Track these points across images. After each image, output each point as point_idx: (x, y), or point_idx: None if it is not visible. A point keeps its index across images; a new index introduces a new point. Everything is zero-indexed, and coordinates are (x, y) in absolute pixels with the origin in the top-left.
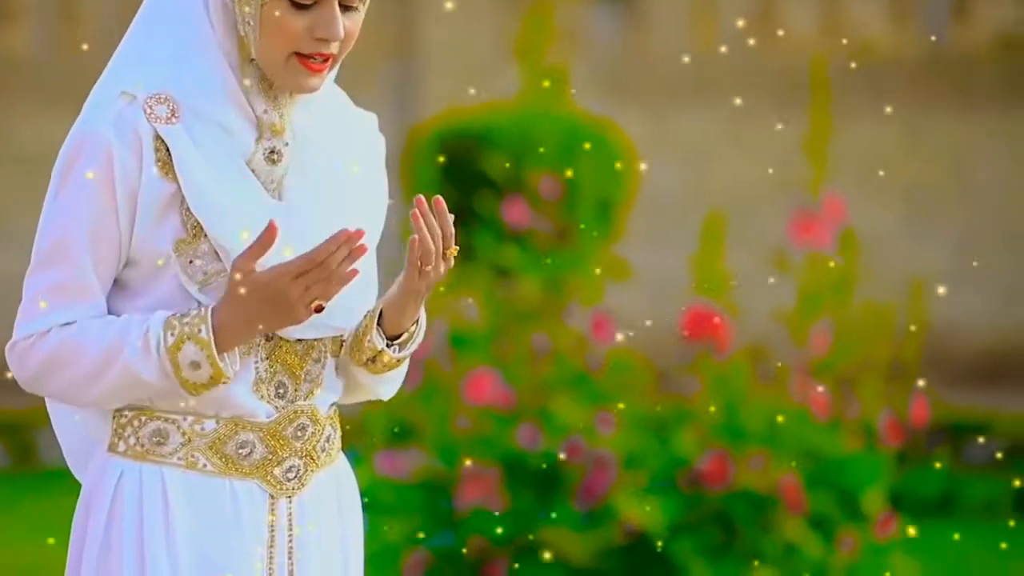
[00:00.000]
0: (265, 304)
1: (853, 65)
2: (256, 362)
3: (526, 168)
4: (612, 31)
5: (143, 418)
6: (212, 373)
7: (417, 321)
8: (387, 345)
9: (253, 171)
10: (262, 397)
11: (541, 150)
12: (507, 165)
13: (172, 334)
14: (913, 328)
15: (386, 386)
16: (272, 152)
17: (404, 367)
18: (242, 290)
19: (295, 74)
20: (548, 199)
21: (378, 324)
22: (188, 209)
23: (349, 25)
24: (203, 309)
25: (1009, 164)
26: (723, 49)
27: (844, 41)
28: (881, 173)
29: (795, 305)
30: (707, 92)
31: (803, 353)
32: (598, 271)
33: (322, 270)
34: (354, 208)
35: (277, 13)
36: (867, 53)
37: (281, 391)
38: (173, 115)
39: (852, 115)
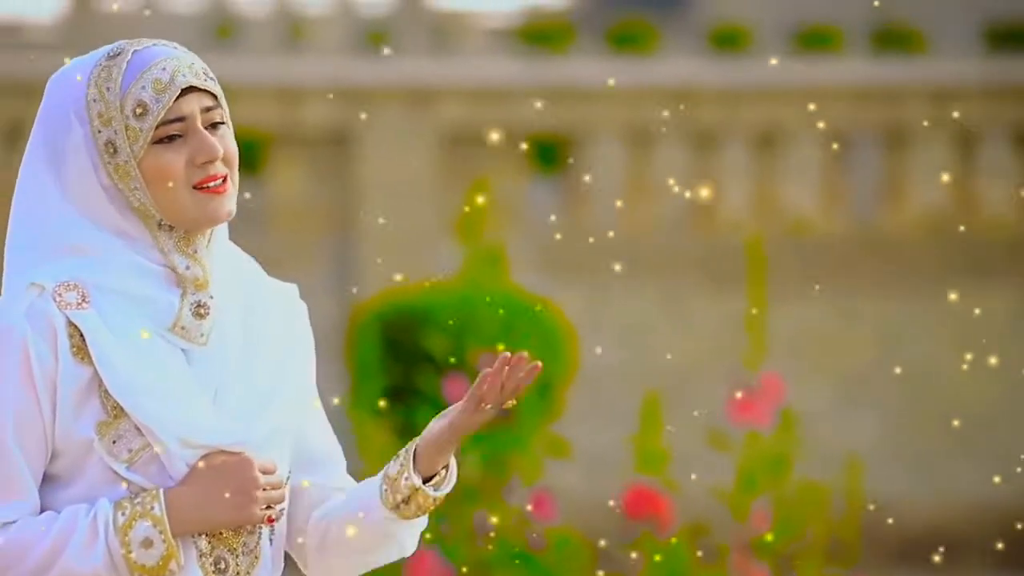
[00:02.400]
0: (226, 489)
1: (785, 244)
2: (195, 538)
3: (467, 345)
4: (550, 207)
5: None
6: (164, 552)
7: (447, 466)
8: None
9: (183, 328)
10: (205, 573)
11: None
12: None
13: (123, 513)
14: (850, 505)
15: (412, 534)
16: (199, 306)
17: (424, 520)
18: (201, 464)
19: (203, 205)
20: None
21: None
22: (106, 391)
23: (225, 146)
24: (155, 490)
25: (939, 343)
26: (661, 226)
27: (777, 227)
28: (812, 353)
29: (735, 482)
30: (644, 268)
31: (744, 530)
32: (538, 449)
33: (276, 485)
34: (277, 353)
35: (153, 161)
36: (799, 232)
37: (221, 566)
38: (83, 300)
39: (785, 294)
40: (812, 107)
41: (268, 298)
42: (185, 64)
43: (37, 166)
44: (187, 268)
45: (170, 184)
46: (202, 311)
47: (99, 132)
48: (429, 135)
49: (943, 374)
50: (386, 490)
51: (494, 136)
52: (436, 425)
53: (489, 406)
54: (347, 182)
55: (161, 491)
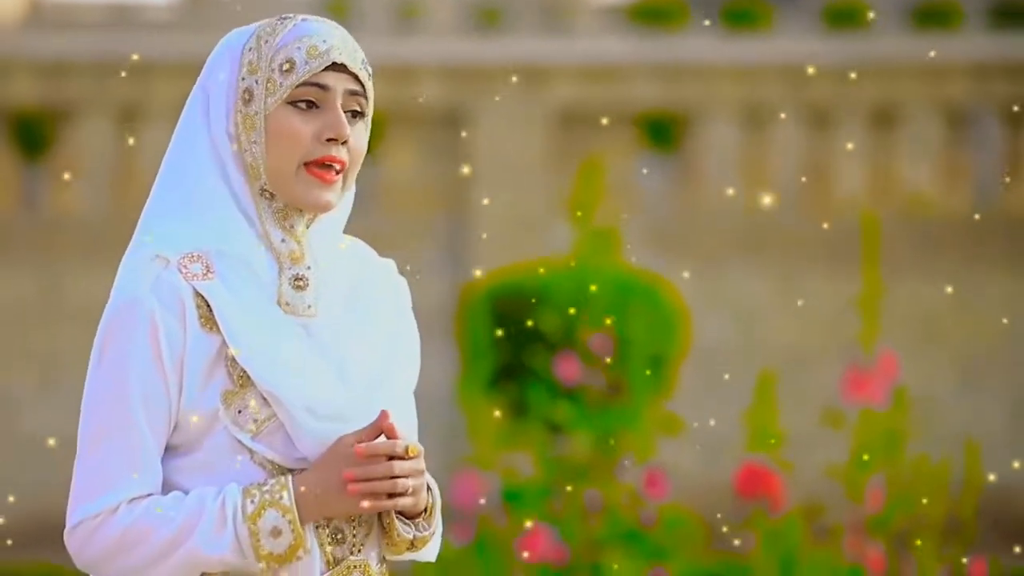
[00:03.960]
0: (340, 480)
1: (903, 223)
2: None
3: (578, 324)
4: (663, 186)
5: None
6: (292, 541)
7: (429, 488)
8: (416, 528)
9: (287, 304)
10: (321, 543)
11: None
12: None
13: (252, 501)
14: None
15: (431, 551)
16: (297, 279)
17: (439, 528)
18: (331, 453)
19: (308, 187)
20: (600, 355)
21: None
22: (232, 360)
23: (355, 138)
24: (283, 478)
25: None
26: (775, 204)
27: (895, 205)
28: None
29: (848, 461)
30: (758, 247)
31: (858, 510)
32: (650, 427)
33: (384, 484)
34: (384, 329)
35: (282, 120)
36: (918, 211)
37: (339, 536)
38: (208, 271)
39: (903, 273)
40: (928, 84)
41: (374, 272)
42: (347, 45)
43: (193, 106)
44: (282, 241)
45: (287, 149)
46: (301, 283)
47: (243, 79)
48: (541, 114)
49: None
50: (390, 547)
51: (606, 115)
52: None
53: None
54: (459, 161)
55: (290, 480)
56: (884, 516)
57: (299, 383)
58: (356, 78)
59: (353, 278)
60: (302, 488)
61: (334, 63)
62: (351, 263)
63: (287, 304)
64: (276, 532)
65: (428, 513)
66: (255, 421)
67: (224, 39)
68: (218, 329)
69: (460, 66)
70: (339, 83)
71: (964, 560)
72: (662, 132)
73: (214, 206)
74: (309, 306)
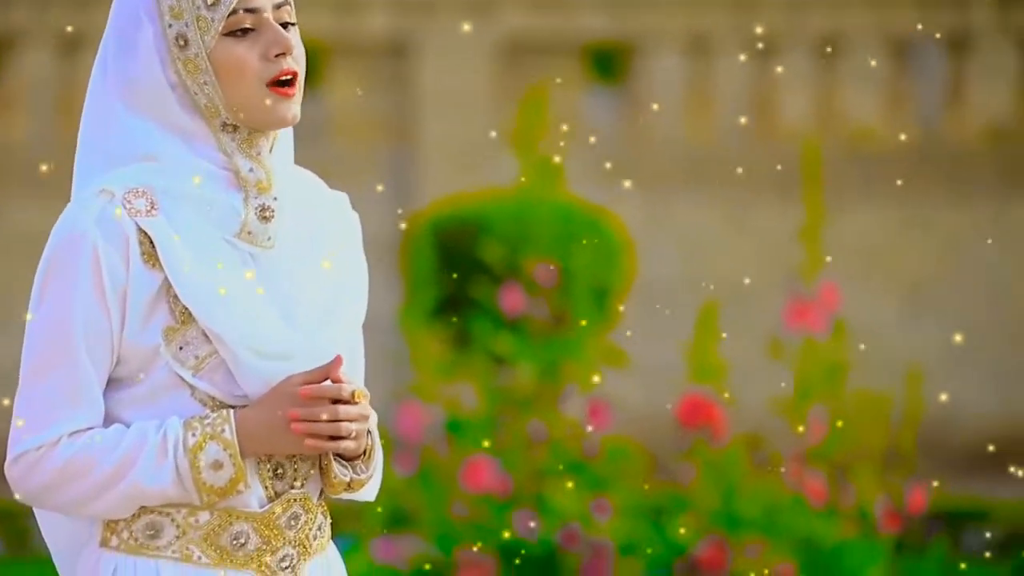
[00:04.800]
0: (285, 418)
1: (848, 153)
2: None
3: (522, 255)
4: (608, 117)
5: (137, 512)
6: (233, 475)
7: (369, 431)
8: (353, 470)
9: (249, 233)
10: (262, 479)
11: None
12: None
13: (193, 434)
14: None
15: (369, 492)
16: (263, 209)
17: (379, 471)
18: (276, 392)
19: (272, 104)
20: (544, 286)
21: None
22: (175, 297)
23: (297, 46)
24: (225, 411)
25: (1003, 251)
26: (720, 135)
27: (839, 134)
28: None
29: (790, 392)
30: (703, 178)
31: (799, 440)
32: (594, 358)
33: (330, 426)
34: (335, 265)
35: (226, 53)
36: (863, 142)
37: (279, 472)
38: (152, 207)
39: (849, 203)
40: (872, 14)
41: (326, 206)
42: None
43: (107, 71)
44: (250, 170)
45: (243, 78)
46: (267, 214)
47: (169, 26)
48: (488, 45)
49: (1007, 283)
50: (328, 487)
51: (553, 46)
52: None
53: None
54: (405, 92)
55: (232, 414)
56: (825, 446)
57: (242, 322)
58: None
59: (307, 211)
60: (244, 423)
61: None
62: (306, 195)
63: (249, 233)
64: (217, 465)
65: (367, 456)
66: (196, 357)
67: None
68: (161, 265)
69: None
70: (266, 0)
71: (903, 488)
72: (608, 63)
73: (164, 152)
74: (269, 238)
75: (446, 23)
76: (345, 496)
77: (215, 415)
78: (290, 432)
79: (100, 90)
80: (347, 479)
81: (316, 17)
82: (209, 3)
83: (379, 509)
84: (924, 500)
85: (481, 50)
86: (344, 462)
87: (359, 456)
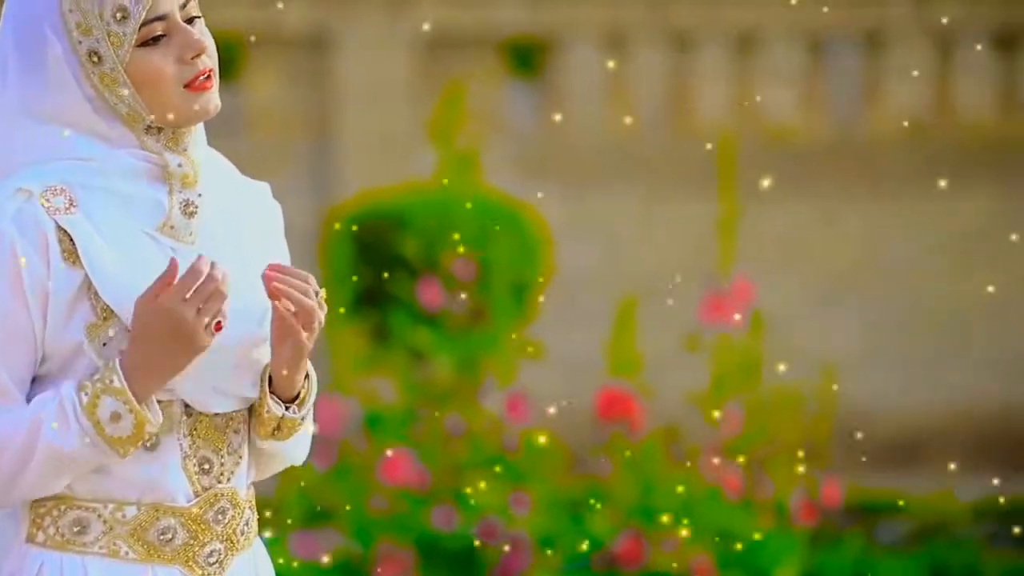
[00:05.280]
0: (166, 336)
1: (764, 148)
2: (179, 438)
3: (441, 250)
4: (527, 111)
5: (62, 507)
6: (135, 421)
7: (308, 376)
8: (286, 408)
9: (172, 227)
10: (188, 474)
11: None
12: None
13: (85, 393)
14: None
15: (297, 449)
16: (187, 204)
17: (310, 425)
18: (139, 322)
19: (194, 102)
20: (463, 280)
21: (271, 392)
22: (96, 294)
23: (208, 41)
24: (111, 362)
25: (919, 247)
26: (638, 129)
27: (756, 129)
28: (793, 255)
29: (707, 386)
30: (621, 173)
31: (716, 434)
32: (512, 352)
33: (208, 282)
34: (257, 257)
35: (142, 64)
36: (779, 137)
37: (206, 467)
38: (71, 205)
39: (766, 198)
40: (790, 9)
41: (247, 197)
42: None
43: (7, 85)
44: (179, 165)
45: (162, 85)
46: (190, 209)
47: (79, 43)
48: (407, 38)
49: (922, 278)
50: (257, 424)
51: (472, 39)
52: (277, 358)
53: (315, 324)
54: (325, 86)
55: (116, 362)
56: (741, 440)
57: None
58: None
59: (227, 201)
60: (130, 365)
61: None
62: (228, 185)
63: (171, 228)
64: (116, 417)
65: (300, 400)
66: (120, 353)
67: (18, 12)
68: (81, 263)
69: None
70: (172, 3)
71: (819, 481)
72: (527, 57)
73: (86, 152)
74: (191, 233)
75: (365, 16)
76: (271, 444)
77: (103, 369)
78: (175, 342)
79: (8, 98)
80: (279, 414)
81: (235, 10)
82: (118, 18)
83: (298, 504)
84: (839, 493)
85: (400, 44)
86: (278, 400)
87: (293, 399)
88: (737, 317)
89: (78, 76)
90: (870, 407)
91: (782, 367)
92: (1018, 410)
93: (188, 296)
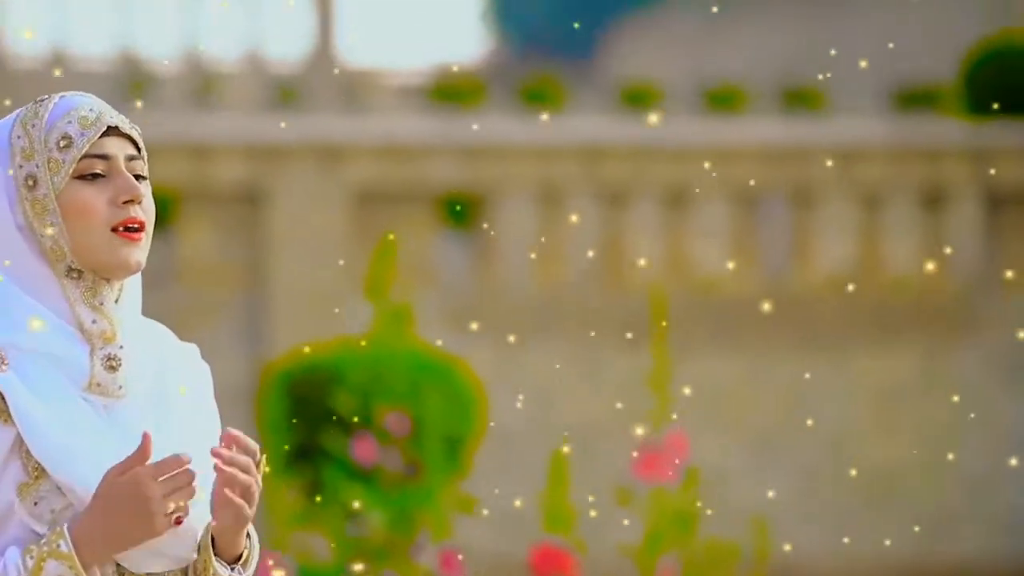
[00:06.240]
0: (127, 510)
1: (695, 301)
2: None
3: (375, 404)
4: (460, 264)
5: None
6: None
7: (249, 535)
8: (231, 569)
9: (99, 385)
10: None
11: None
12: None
13: (31, 557)
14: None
15: None
16: (110, 359)
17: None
18: (100, 490)
19: (116, 248)
20: (396, 435)
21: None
22: (27, 452)
23: (147, 199)
24: (59, 527)
25: (847, 401)
26: (570, 282)
27: (686, 284)
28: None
29: (642, 541)
30: (554, 325)
31: None
32: (446, 506)
33: (183, 475)
34: (188, 417)
35: (75, 195)
36: (710, 290)
37: None
38: (2, 362)
39: (697, 352)
40: (719, 166)
41: (176, 357)
42: (113, 110)
43: None
44: (93, 322)
45: (89, 220)
46: (114, 363)
47: (20, 167)
48: (340, 193)
49: (850, 432)
50: None
51: (405, 194)
52: (217, 521)
53: (255, 491)
54: (257, 239)
55: (65, 527)
56: None
57: (96, 474)
58: (131, 142)
59: (157, 360)
60: (80, 532)
61: (108, 129)
62: (155, 345)
63: (98, 385)
64: None
65: (244, 560)
66: (52, 511)
67: None
68: (12, 421)
69: (258, 144)
70: (119, 149)
71: None
72: (460, 210)
73: (8, 304)
74: (120, 387)
75: (298, 170)
76: None
77: (51, 533)
78: (134, 518)
79: None
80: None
81: (169, 163)
82: (61, 145)
83: None
84: None
85: (332, 197)
86: (224, 563)
87: (237, 559)
88: (671, 472)
89: (13, 201)
90: (799, 562)
91: (715, 521)
92: (940, 563)
93: (160, 479)
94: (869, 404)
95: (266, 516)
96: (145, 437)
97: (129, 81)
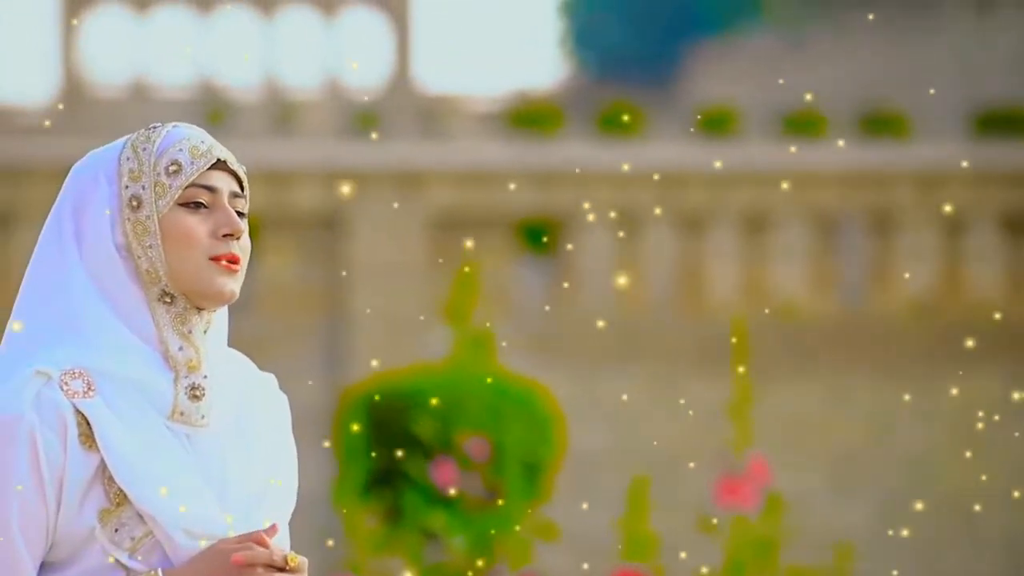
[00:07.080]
0: None
1: (775, 327)
2: None
3: (455, 429)
4: (539, 290)
5: None
6: None
7: None
8: None
9: (182, 414)
10: None
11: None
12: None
13: None
14: None
15: None
16: (193, 388)
17: None
18: (207, 549)
19: (213, 276)
20: (477, 460)
21: None
22: (110, 478)
23: (244, 235)
24: (153, 572)
25: (929, 426)
26: (649, 308)
27: (766, 309)
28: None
29: (722, 567)
30: (633, 351)
31: None
32: (526, 532)
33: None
34: (266, 446)
35: (178, 221)
36: (789, 315)
37: None
38: (89, 388)
39: (776, 377)
40: (798, 191)
41: (256, 388)
42: (222, 146)
43: (62, 233)
44: (180, 349)
45: (189, 246)
46: (197, 392)
47: (126, 188)
48: (418, 218)
49: (934, 457)
50: None
51: (483, 219)
52: None
53: None
54: (336, 265)
55: (160, 571)
56: None
57: (176, 503)
58: (236, 180)
59: (239, 391)
60: None
61: (216, 162)
62: (237, 375)
63: (181, 414)
64: None
65: None
66: (132, 539)
67: (83, 163)
68: (97, 447)
69: (337, 170)
70: (225, 184)
71: None
72: (538, 236)
73: (99, 327)
74: (203, 416)
75: (376, 196)
76: None
77: (143, 572)
78: None
79: (49, 245)
80: None
81: (248, 190)
82: (170, 171)
83: None
84: None
85: (411, 223)
86: None
87: None
88: (752, 499)
89: (115, 221)
90: None
91: (796, 547)
92: None
93: (261, 570)
94: (951, 429)
95: (345, 541)
96: (272, 528)
97: (209, 109)
